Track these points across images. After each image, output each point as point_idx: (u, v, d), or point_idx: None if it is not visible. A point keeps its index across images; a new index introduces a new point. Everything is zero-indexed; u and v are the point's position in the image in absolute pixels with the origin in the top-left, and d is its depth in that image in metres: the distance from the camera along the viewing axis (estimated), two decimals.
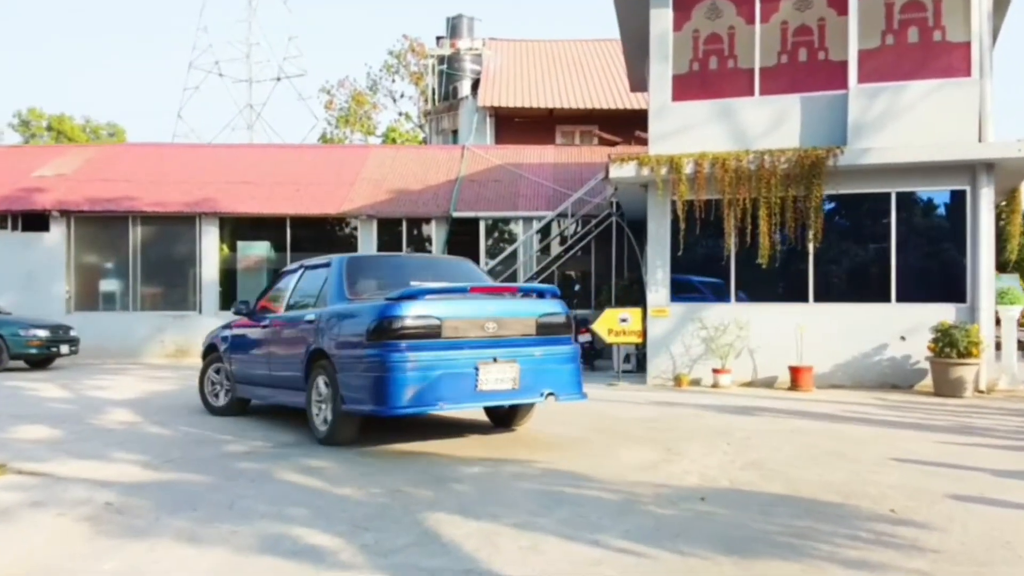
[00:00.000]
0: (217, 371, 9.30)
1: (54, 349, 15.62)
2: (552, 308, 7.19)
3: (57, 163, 20.13)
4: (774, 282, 12.56)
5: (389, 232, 18.61)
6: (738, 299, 12.67)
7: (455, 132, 29.20)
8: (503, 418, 8.05)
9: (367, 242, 18.44)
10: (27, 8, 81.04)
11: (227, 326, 9.34)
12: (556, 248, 18.57)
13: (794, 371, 11.76)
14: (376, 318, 6.45)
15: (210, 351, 9.48)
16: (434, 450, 6.82)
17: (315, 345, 7.13)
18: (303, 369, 7.32)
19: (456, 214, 18.28)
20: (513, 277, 17.91)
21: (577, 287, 16.79)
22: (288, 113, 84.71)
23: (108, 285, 18.44)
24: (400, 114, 45.80)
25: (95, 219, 18.25)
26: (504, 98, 26.23)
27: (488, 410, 8.08)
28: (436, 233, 18.50)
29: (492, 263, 17.62)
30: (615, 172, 12.37)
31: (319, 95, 47.83)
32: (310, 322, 7.34)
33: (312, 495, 5.17)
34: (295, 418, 8.48)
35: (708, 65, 12.72)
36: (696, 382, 12.47)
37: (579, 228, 18.09)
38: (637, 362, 14.55)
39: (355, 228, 18.78)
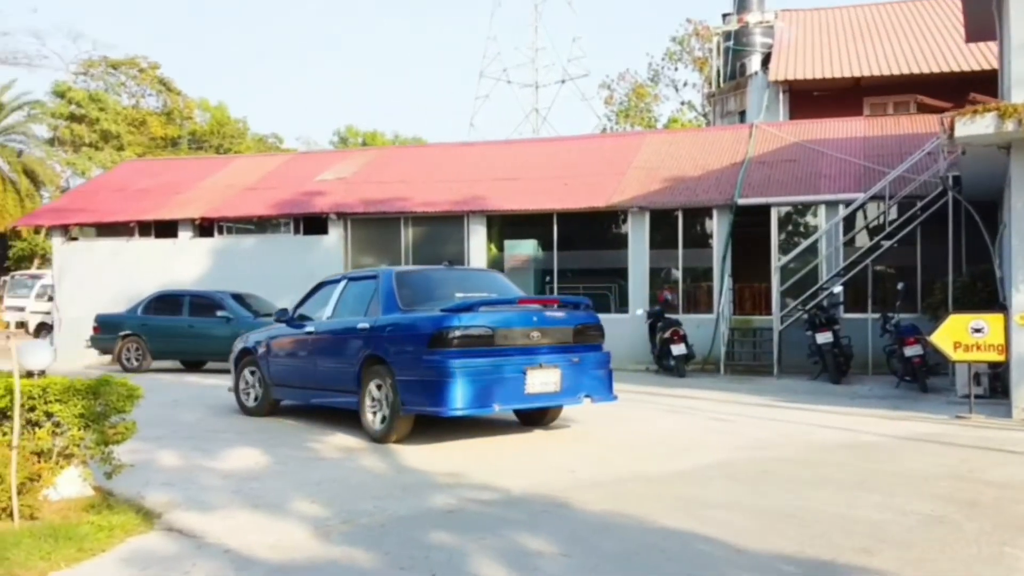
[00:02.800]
0: (252, 373, 9.65)
1: None
2: (587, 318, 7.94)
3: (339, 167, 20.58)
4: None
5: (663, 225, 16.50)
6: None
7: (742, 113, 26.28)
8: (533, 418, 8.48)
9: (638, 238, 16.49)
10: (345, 32, 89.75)
11: (261, 333, 9.83)
12: (864, 239, 15.27)
13: None
14: (436, 327, 7.11)
15: (243, 355, 9.84)
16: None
17: (370, 351, 7.68)
18: (356, 373, 7.80)
19: (742, 201, 15.67)
20: (812, 274, 14.95)
21: (900, 285, 13.48)
22: (571, 115, 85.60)
23: None
24: (683, 103, 43.30)
25: (370, 220, 18.20)
26: (800, 70, 22.89)
27: (519, 411, 8.42)
28: (718, 225, 16.03)
29: (784, 259, 14.81)
30: (964, 129, 9.18)
31: (599, 91, 46.77)
32: (364, 330, 7.83)
33: None
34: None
35: None
36: None
37: (897, 213, 14.66)
38: (990, 384, 11.05)
39: (624, 221, 16.92)
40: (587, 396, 7.68)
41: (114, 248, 19.35)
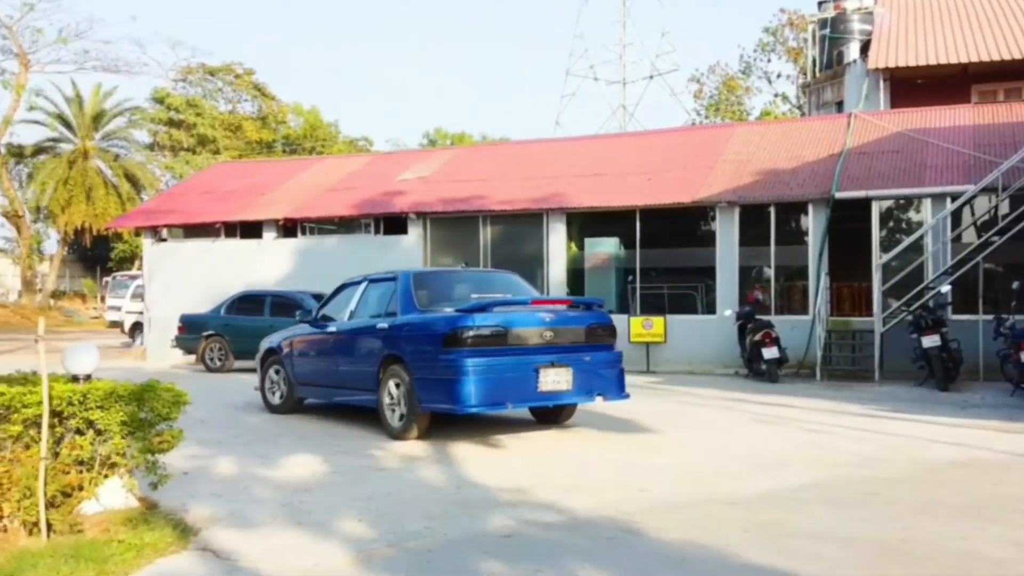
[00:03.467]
0: (276, 372, 9.85)
1: None
2: (599, 318, 8.05)
3: (420, 167, 20.41)
4: None
5: (754, 220, 15.62)
6: None
7: (839, 104, 24.89)
8: (547, 416, 8.61)
9: (727, 235, 15.65)
10: (434, 35, 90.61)
11: (285, 332, 9.94)
12: (973, 235, 14.07)
13: None
14: (451, 327, 7.25)
15: (268, 355, 10.05)
16: None
17: (388, 351, 7.89)
18: (375, 372, 8.00)
19: (840, 195, 14.65)
20: (917, 272, 13.84)
21: (1016, 284, 12.29)
22: (660, 111, 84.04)
23: None
24: (776, 95, 41.72)
25: (448, 220, 17.93)
26: (902, 56, 21.46)
27: (533, 409, 8.57)
28: (813, 220, 15.05)
29: (887, 256, 13.74)
30: None
31: (688, 85, 45.48)
32: (382, 330, 8.03)
33: None
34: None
35: None
36: None
37: (1010, 207, 13.42)
38: None
39: (712, 217, 16.11)
40: (600, 395, 7.82)
41: (201, 249, 19.69)
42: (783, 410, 9.97)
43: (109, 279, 32.67)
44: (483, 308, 7.39)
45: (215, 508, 5.25)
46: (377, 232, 18.46)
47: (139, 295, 24.42)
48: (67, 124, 41.33)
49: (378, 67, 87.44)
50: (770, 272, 15.94)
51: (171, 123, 46.29)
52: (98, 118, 41.93)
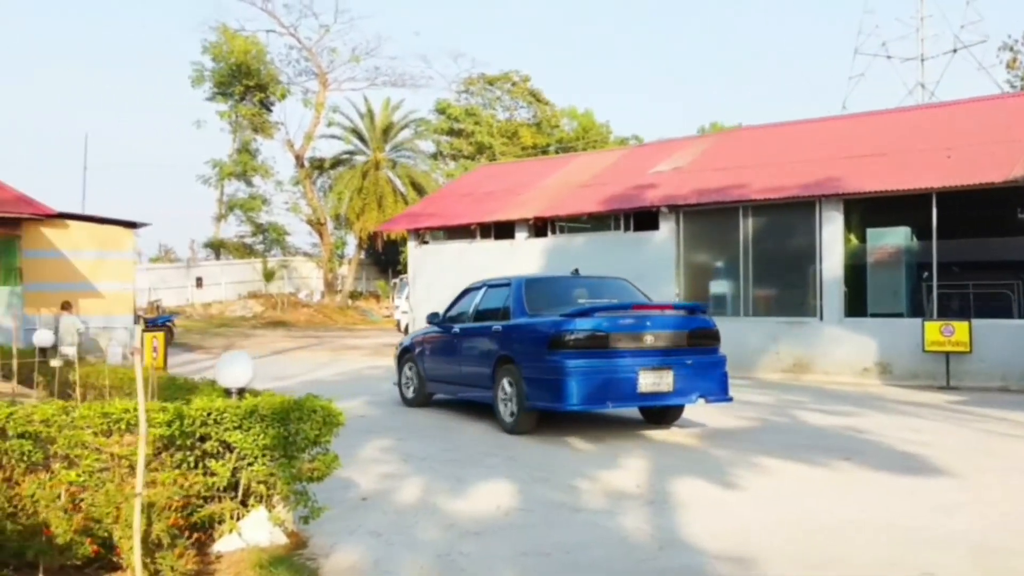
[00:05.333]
0: (410, 369, 10.55)
1: None
2: (701, 323, 8.33)
3: (675, 157, 18.99)
4: None
5: None
6: None
7: None
8: (657, 416, 8.76)
9: None
10: (704, 27, 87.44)
11: (418, 333, 10.81)
12: None
13: None
14: (555, 330, 7.79)
15: (404, 353, 10.83)
16: None
17: (501, 351, 8.42)
18: (491, 371, 8.52)
19: None
20: None
21: None
22: (964, 87, 73.63)
23: (718, 287, 16.34)
24: None
25: (704, 212, 16.36)
26: None
27: (643, 409, 8.85)
28: None
29: None
30: None
31: (998, 55, 39.00)
32: (497, 332, 8.64)
33: None
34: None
35: None
36: None
37: None
38: None
39: None
40: (701, 396, 7.98)
41: (459, 250, 19.90)
42: None
43: (396, 281, 34.85)
44: (585, 313, 7.87)
45: (363, 554, 4.51)
46: (627, 229, 17.37)
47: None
48: (360, 137, 44.95)
49: (648, 62, 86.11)
50: None
51: (451, 132, 48.69)
52: (387, 130, 45.14)
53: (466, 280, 18.67)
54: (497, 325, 8.75)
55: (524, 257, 18.57)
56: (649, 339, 7.85)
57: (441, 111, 48.93)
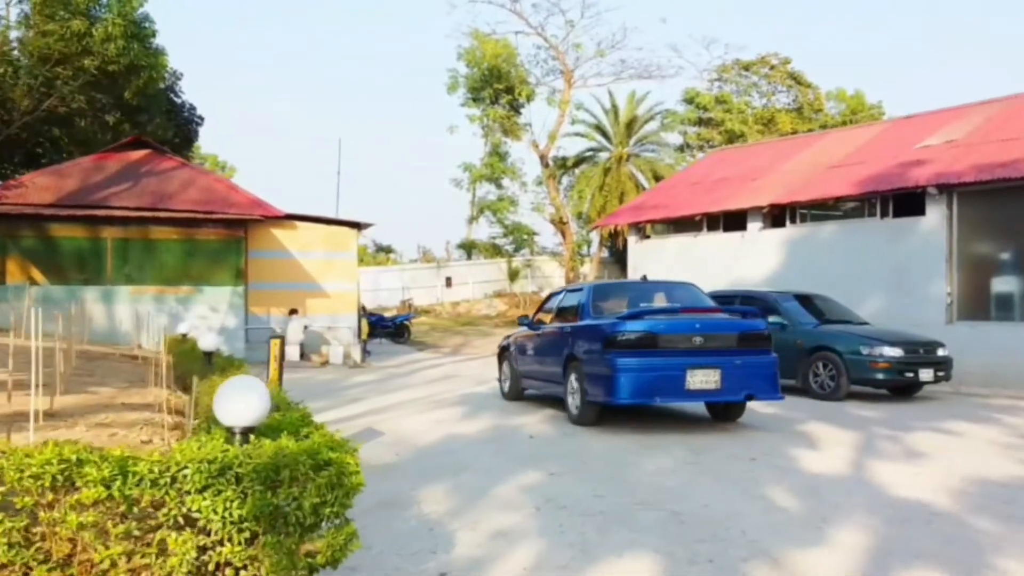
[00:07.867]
0: (507, 366, 11.47)
1: (909, 374, 11.40)
2: (751, 326, 8.73)
3: (949, 129, 15.61)
4: None
5: None
6: None
7: None
8: (719, 413, 9.30)
9: None
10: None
11: (514, 332, 11.67)
12: None
13: None
14: (609, 331, 8.45)
15: (502, 352, 11.78)
16: None
17: (569, 350, 9.21)
18: (562, 368, 9.37)
19: None
20: None
21: None
22: None
23: (1003, 284, 12.99)
24: None
25: (985, 193, 13.13)
26: None
27: (709, 407, 9.44)
28: None
29: None
30: None
31: None
32: (567, 333, 9.50)
33: None
34: None
35: None
36: None
37: None
38: None
39: None
40: (749, 395, 8.46)
41: (682, 244, 17.99)
42: None
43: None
44: (636, 315, 8.58)
45: None
46: (884, 215, 14.47)
47: None
48: (604, 133, 43.78)
49: (933, 29, 76.38)
50: None
51: (700, 122, 46.12)
52: (631, 124, 43.56)
53: (693, 277, 16.73)
54: (568, 327, 9.54)
55: (758, 251, 16.27)
56: (698, 340, 8.32)
57: (689, 100, 46.48)
